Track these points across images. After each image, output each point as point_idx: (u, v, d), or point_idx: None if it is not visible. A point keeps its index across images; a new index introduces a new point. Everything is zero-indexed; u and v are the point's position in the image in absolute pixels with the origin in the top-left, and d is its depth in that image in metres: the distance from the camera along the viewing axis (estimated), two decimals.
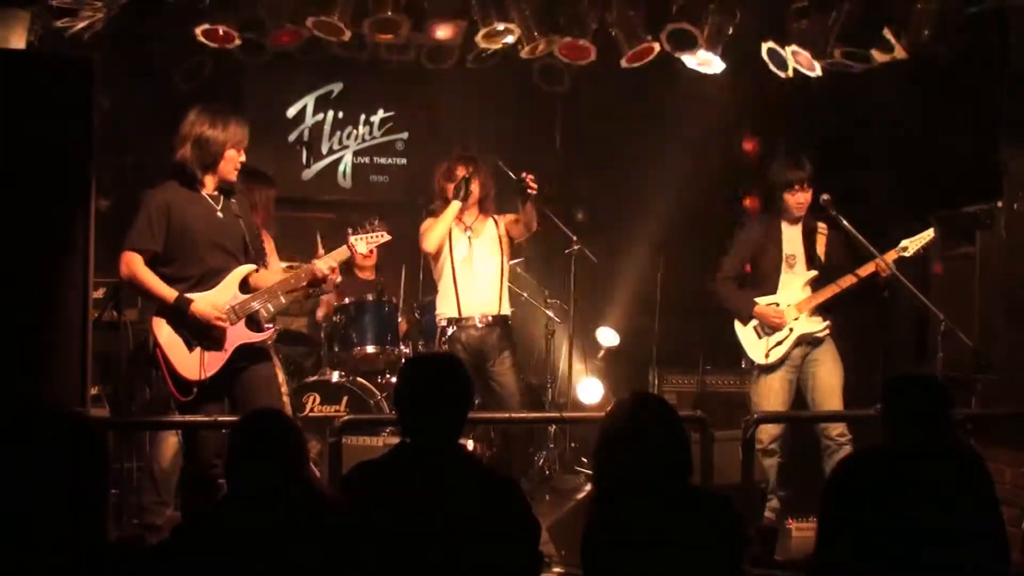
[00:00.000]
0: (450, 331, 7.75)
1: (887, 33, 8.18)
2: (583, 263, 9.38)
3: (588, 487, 8.63)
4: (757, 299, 7.84)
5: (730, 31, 8.68)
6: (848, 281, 7.73)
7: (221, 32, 8.66)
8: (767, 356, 7.77)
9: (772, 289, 7.83)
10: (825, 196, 7.69)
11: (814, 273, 7.79)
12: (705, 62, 8.79)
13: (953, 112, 9.21)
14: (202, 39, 8.73)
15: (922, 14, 8.19)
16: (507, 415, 7.69)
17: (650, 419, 4.06)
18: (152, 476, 7.47)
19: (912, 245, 7.62)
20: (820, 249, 7.83)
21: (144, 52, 9.43)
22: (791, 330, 7.74)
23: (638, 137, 10.83)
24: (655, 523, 3.91)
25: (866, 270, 7.68)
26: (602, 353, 10.52)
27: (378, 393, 8.85)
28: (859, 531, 3.84)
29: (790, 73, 8.75)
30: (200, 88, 9.54)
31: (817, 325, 7.77)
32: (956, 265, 8.50)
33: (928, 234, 7.64)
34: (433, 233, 7.74)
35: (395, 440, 4.56)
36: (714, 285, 8.04)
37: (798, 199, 7.80)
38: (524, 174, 7.61)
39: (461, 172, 7.76)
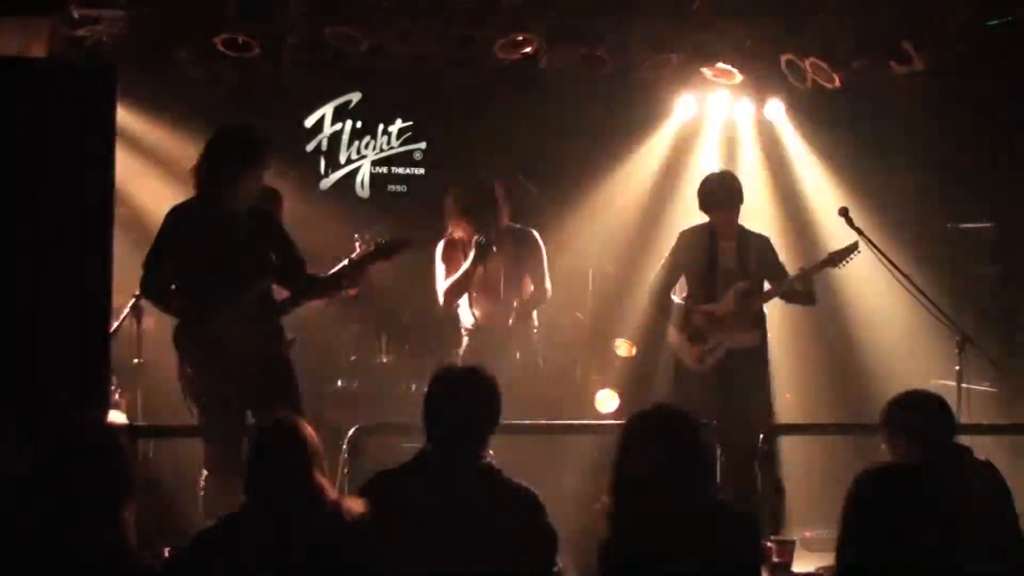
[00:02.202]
0: (470, 342, 7.71)
1: (905, 45, 8.19)
2: (600, 273, 9.36)
3: (604, 498, 8.60)
4: (692, 308, 7.91)
5: (748, 42, 8.69)
6: (775, 292, 7.97)
7: (240, 41, 8.69)
8: (699, 361, 7.91)
9: (706, 299, 7.94)
10: (842, 208, 7.73)
11: (747, 284, 7.86)
12: (723, 72, 8.80)
13: (969, 123, 9.22)
14: (221, 48, 8.76)
15: (940, 26, 8.20)
16: (525, 423, 7.66)
17: (669, 431, 4.06)
18: (171, 485, 7.47)
19: (837, 257, 7.72)
20: (753, 260, 7.91)
21: (163, 61, 9.45)
22: (723, 339, 7.82)
23: (656, 147, 10.81)
24: (673, 535, 3.91)
25: (787, 283, 7.92)
26: (618, 364, 10.50)
27: (395, 401, 8.85)
28: (878, 547, 3.83)
29: (808, 85, 8.76)
30: (218, 97, 9.55)
31: (748, 335, 7.89)
32: (976, 278, 8.53)
33: (852, 245, 7.70)
34: (449, 296, 7.70)
35: (412, 448, 4.56)
36: (650, 295, 8.15)
37: (721, 219, 7.97)
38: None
39: (479, 236, 7.65)
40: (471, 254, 7.64)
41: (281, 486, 3.97)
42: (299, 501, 3.95)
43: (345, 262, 6.76)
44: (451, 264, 7.78)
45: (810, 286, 7.87)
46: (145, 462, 7.79)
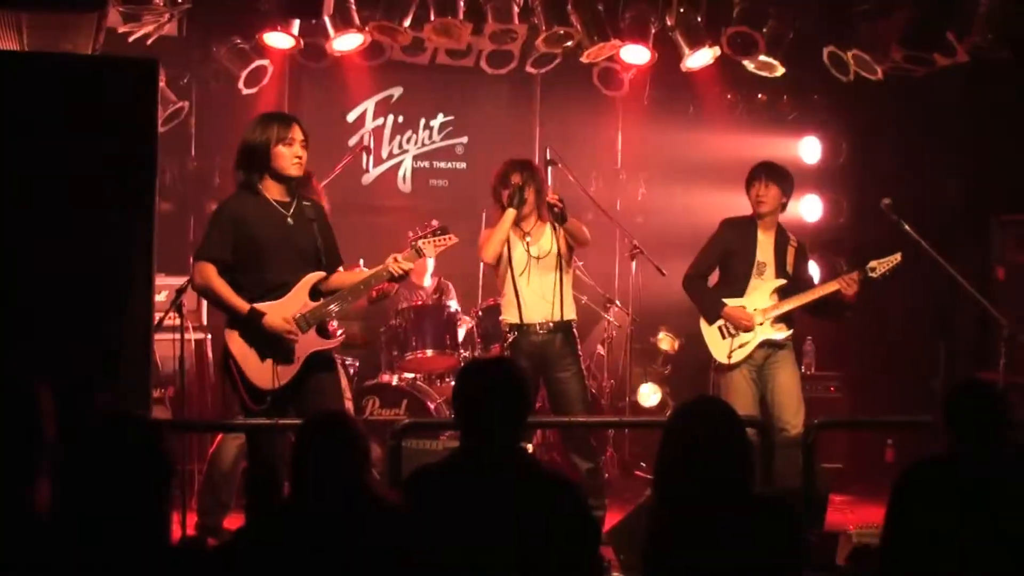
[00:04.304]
0: (513, 337, 7.72)
1: (949, 36, 8.13)
2: (642, 266, 9.35)
3: (648, 492, 8.60)
4: (725, 300, 7.87)
5: (791, 35, 8.65)
6: (813, 295, 7.85)
7: (283, 37, 8.71)
8: (730, 356, 7.85)
9: (739, 293, 7.90)
10: (886, 200, 7.68)
11: (782, 282, 7.84)
12: (766, 65, 8.76)
13: (1013, 114, 9.16)
14: (264, 43, 8.79)
15: (984, 17, 8.13)
16: (567, 419, 7.68)
17: (712, 424, 4.04)
18: (213, 479, 7.50)
19: (880, 267, 7.69)
20: (790, 261, 7.89)
21: (206, 56, 9.50)
22: (755, 334, 7.81)
23: (698, 140, 10.80)
24: (717, 530, 3.90)
25: (828, 288, 7.81)
26: (662, 357, 10.49)
27: (437, 397, 8.86)
28: (925, 539, 3.82)
29: (851, 76, 8.71)
30: (261, 92, 9.58)
31: (780, 332, 7.88)
32: (1020, 270, 8.46)
33: (895, 258, 7.65)
34: (490, 245, 7.70)
35: (454, 444, 4.57)
36: (684, 281, 8.09)
37: (758, 193, 7.88)
38: (550, 197, 7.62)
39: (515, 180, 7.69)
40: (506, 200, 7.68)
41: (326, 481, 3.97)
42: (344, 496, 3.95)
43: (390, 268, 6.70)
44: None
45: (851, 299, 7.82)
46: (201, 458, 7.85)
